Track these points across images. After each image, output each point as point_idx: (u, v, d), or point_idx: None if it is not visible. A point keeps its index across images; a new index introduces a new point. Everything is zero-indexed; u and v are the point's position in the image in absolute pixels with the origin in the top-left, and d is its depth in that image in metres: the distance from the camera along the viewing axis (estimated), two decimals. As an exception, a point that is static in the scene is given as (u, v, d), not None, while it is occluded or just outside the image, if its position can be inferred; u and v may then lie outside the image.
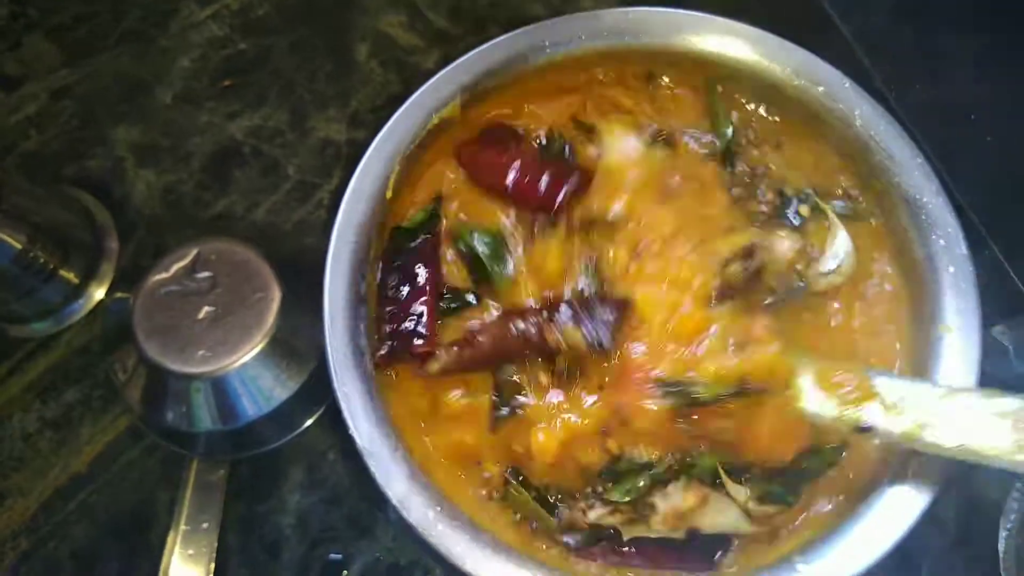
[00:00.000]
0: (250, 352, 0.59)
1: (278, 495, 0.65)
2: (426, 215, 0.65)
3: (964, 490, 0.65)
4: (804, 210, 0.65)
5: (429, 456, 0.59)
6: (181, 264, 0.61)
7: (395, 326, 0.61)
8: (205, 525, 0.63)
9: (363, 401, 0.58)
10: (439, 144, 0.67)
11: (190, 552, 0.62)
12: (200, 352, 0.59)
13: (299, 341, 0.63)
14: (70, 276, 0.70)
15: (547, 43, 0.68)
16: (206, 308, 0.60)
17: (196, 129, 0.78)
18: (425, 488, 0.56)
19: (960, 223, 0.61)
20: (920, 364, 0.60)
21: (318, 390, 0.63)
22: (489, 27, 0.82)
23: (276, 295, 0.61)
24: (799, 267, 0.63)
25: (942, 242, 0.60)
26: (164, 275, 0.61)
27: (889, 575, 0.62)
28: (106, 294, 0.71)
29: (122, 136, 0.77)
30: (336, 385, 0.58)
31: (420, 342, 0.60)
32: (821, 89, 0.66)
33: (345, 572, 0.63)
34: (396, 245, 0.64)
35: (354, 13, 0.82)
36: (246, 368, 0.59)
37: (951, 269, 0.60)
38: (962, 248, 0.60)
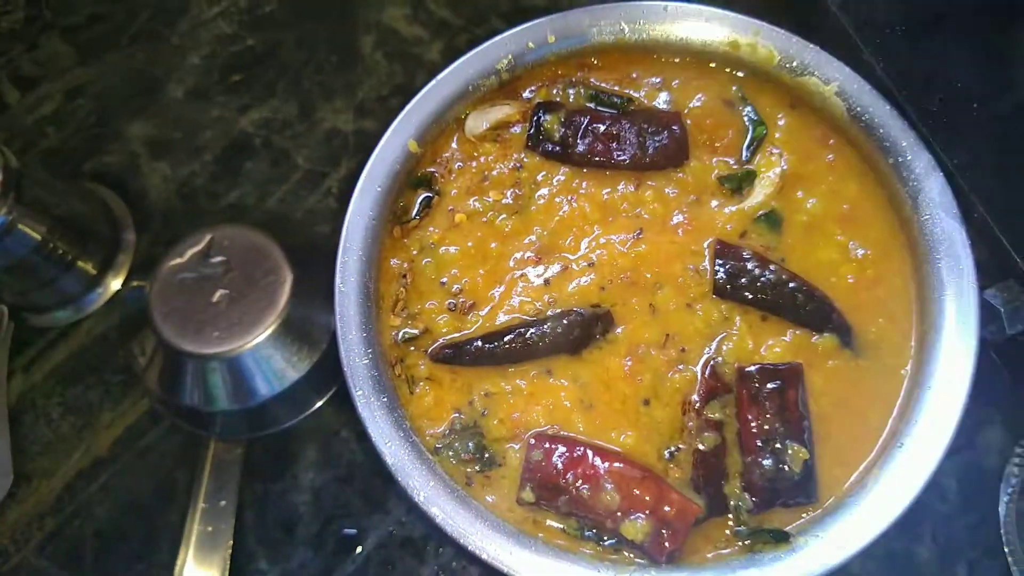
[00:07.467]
0: (263, 333, 0.61)
1: (292, 473, 0.67)
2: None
3: (965, 458, 0.66)
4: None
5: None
6: (195, 249, 0.63)
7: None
8: (223, 503, 0.64)
9: (376, 390, 0.59)
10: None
11: (209, 529, 0.64)
12: (215, 333, 0.61)
13: (310, 323, 0.65)
14: (88, 267, 0.72)
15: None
16: (220, 291, 0.62)
17: (208, 123, 0.80)
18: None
19: (951, 187, 0.62)
20: (923, 329, 0.61)
21: (329, 372, 0.65)
22: (491, 18, 0.84)
23: (288, 278, 0.63)
24: None
25: (934, 207, 0.62)
26: (179, 260, 0.63)
27: (894, 543, 0.64)
28: (123, 283, 0.74)
29: (137, 132, 0.80)
30: (349, 380, 0.59)
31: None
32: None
33: (360, 546, 0.65)
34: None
35: (358, 7, 0.84)
36: (259, 348, 0.61)
37: (945, 234, 0.61)
38: (954, 210, 0.61)
